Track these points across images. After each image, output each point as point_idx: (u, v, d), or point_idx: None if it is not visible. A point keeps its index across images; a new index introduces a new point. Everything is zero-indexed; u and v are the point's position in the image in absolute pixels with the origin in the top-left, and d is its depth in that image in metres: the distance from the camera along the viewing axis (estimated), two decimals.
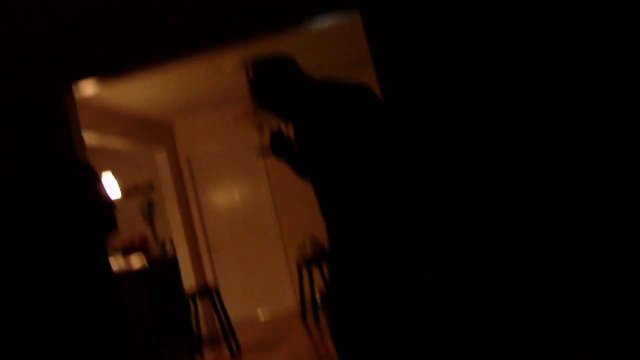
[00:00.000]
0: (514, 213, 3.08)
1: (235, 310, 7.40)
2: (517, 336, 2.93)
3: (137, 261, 6.59)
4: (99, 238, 2.92)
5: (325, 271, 6.34)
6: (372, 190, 2.69)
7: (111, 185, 7.82)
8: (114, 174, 7.98)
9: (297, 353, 5.49)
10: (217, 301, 6.23)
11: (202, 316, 7.17)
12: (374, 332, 2.84)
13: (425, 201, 3.23)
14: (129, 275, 6.03)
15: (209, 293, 6.24)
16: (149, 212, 8.17)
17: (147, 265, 6.40)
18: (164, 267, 7.11)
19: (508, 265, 3.02)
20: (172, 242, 7.77)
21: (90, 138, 5.87)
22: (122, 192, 8.12)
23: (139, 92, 6.26)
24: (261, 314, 7.98)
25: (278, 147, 2.93)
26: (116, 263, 6.54)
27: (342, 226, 2.81)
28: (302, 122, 2.82)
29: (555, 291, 2.89)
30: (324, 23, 3.62)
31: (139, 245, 8.01)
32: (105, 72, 3.79)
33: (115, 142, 6.76)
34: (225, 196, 8.18)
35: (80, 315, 2.78)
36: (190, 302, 6.23)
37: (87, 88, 3.93)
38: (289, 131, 2.93)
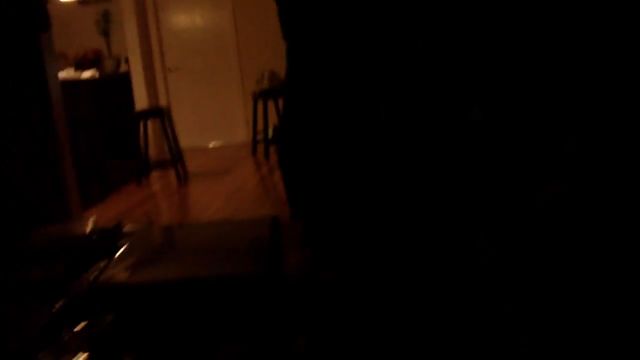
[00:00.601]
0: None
1: (185, 138, 7.29)
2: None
3: (88, 74, 6.35)
4: (30, 38, 2.69)
5: (281, 105, 6.23)
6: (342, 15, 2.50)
7: None
8: None
9: (243, 184, 5.48)
10: (167, 123, 6.10)
11: (152, 138, 7.06)
12: (323, 167, 2.77)
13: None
14: (77, 84, 5.80)
15: (159, 114, 6.09)
16: (105, 25, 7.77)
17: (97, 77, 6.17)
18: (115, 81, 6.87)
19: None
20: (127, 59, 7.48)
21: None
22: None
23: None
24: (212, 144, 7.90)
25: None
26: (66, 73, 6.28)
27: (302, 50, 2.64)
28: None
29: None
30: None
31: (92, 59, 7.67)
32: None
33: None
34: (186, 18, 7.80)
35: (7, 115, 2.62)
36: (141, 122, 6.09)
37: None
38: None
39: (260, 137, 6.93)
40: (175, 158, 6.04)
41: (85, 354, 1.68)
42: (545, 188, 1.98)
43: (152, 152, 7.01)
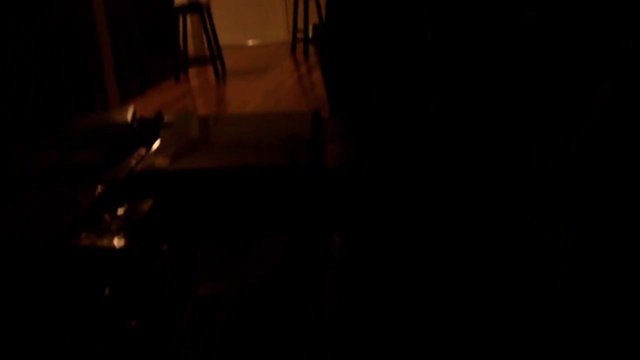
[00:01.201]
0: None
1: (224, 35, 7.17)
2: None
3: None
4: None
5: (322, 4, 6.06)
6: None
7: None
8: None
9: (281, 83, 5.41)
10: (207, 19, 5.99)
11: (191, 34, 6.96)
12: (364, 66, 2.74)
13: None
14: None
15: (199, 9, 5.97)
16: None
17: None
18: None
19: None
20: None
21: None
22: None
23: None
24: (250, 42, 7.79)
25: None
26: None
27: None
28: None
29: None
30: None
31: None
32: None
33: None
34: None
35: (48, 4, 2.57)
36: (180, 17, 5.99)
37: None
38: None
39: (300, 35, 6.79)
40: (213, 54, 5.96)
41: (125, 238, 1.69)
42: (599, 88, 1.89)
43: (191, 48, 6.93)
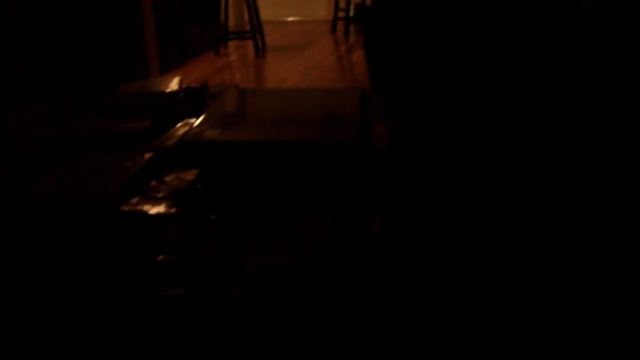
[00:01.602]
0: None
1: (265, 10, 7.16)
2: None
3: None
4: None
5: None
6: None
7: None
8: None
9: (321, 61, 5.39)
10: None
11: (232, 7, 6.96)
12: (406, 47, 2.70)
13: None
14: None
15: None
16: None
17: None
18: None
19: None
20: None
21: None
22: None
23: None
24: (291, 18, 7.76)
25: None
26: None
27: None
28: None
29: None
30: None
31: None
32: None
33: None
34: None
35: None
36: None
37: None
38: None
39: (340, 14, 6.74)
40: (254, 29, 5.95)
41: (172, 205, 1.70)
42: None
43: (231, 21, 6.93)
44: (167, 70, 5.08)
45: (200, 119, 2.07)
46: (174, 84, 2.45)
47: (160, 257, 1.49)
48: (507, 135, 2.35)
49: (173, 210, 1.70)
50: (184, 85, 2.50)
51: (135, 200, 1.71)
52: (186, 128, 2.06)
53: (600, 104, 2.18)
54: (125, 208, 1.67)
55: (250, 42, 6.12)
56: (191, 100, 2.35)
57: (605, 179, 1.90)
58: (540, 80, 2.36)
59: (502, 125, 2.37)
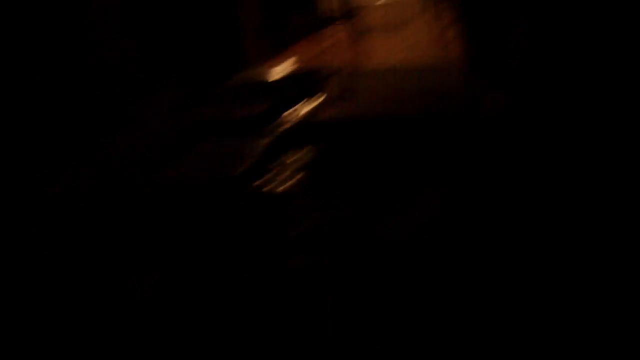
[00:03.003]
0: None
1: None
2: None
3: None
4: None
5: None
6: None
7: None
8: None
9: (422, 37, 5.39)
10: None
11: None
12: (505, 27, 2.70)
13: None
14: None
15: None
16: None
17: None
18: None
19: None
20: None
21: None
22: None
23: None
24: (381, 1, 7.75)
25: None
26: None
27: None
28: None
29: None
30: None
31: None
32: None
33: None
34: None
35: None
36: None
37: None
38: None
39: None
40: (349, 13, 6.01)
41: (296, 184, 1.81)
42: None
43: (326, 7, 7.01)
44: (274, 55, 5.22)
45: (314, 100, 2.17)
46: (285, 70, 2.56)
47: (291, 231, 1.61)
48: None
49: (295, 189, 1.80)
50: (294, 71, 2.61)
51: (261, 181, 1.84)
52: (301, 111, 2.17)
53: None
54: (249, 189, 1.80)
55: (350, 24, 6.19)
56: (302, 84, 2.45)
57: None
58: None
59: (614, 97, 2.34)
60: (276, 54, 5.31)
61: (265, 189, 1.78)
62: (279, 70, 2.57)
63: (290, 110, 2.19)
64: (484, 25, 2.91)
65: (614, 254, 1.56)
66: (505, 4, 2.73)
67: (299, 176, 1.85)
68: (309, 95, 2.26)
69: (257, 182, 1.80)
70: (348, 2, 6.00)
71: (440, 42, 5.24)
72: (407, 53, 4.91)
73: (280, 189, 1.75)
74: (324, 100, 2.13)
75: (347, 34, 6.15)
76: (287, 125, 2.06)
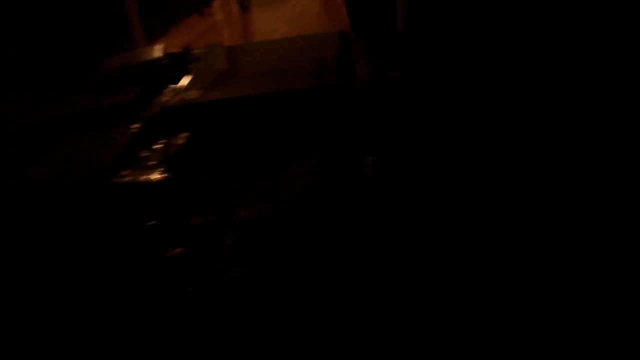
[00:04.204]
0: None
1: None
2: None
3: None
4: None
5: None
6: None
7: None
8: None
9: (306, 7, 5.34)
10: None
11: None
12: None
13: None
14: None
15: None
16: None
17: None
18: None
19: None
20: None
21: None
22: None
23: None
24: None
25: None
26: None
27: None
28: None
29: None
30: None
31: None
32: None
33: None
34: None
35: None
36: None
37: None
38: None
39: None
40: None
41: (163, 171, 1.72)
42: None
43: None
44: (154, 38, 5.05)
45: (184, 83, 2.08)
46: (156, 53, 2.44)
47: (155, 222, 1.53)
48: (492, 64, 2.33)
49: (165, 176, 1.72)
50: (167, 52, 2.50)
51: (127, 171, 1.74)
52: (171, 94, 2.07)
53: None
54: (117, 181, 1.70)
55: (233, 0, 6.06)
56: (174, 66, 2.35)
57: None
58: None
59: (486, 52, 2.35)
60: (157, 36, 5.13)
61: (133, 179, 1.68)
62: (151, 54, 2.44)
63: (161, 95, 2.08)
64: None
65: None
66: None
67: (167, 164, 1.76)
68: (184, 77, 2.16)
69: (124, 173, 1.70)
70: None
71: (329, 8, 5.21)
72: (294, 22, 4.86)
73: (147, 179, 1.66)
74: (194, 81, 2.04)
75: (234, 7, 6.03)
76: (156, 111, 1.96)
